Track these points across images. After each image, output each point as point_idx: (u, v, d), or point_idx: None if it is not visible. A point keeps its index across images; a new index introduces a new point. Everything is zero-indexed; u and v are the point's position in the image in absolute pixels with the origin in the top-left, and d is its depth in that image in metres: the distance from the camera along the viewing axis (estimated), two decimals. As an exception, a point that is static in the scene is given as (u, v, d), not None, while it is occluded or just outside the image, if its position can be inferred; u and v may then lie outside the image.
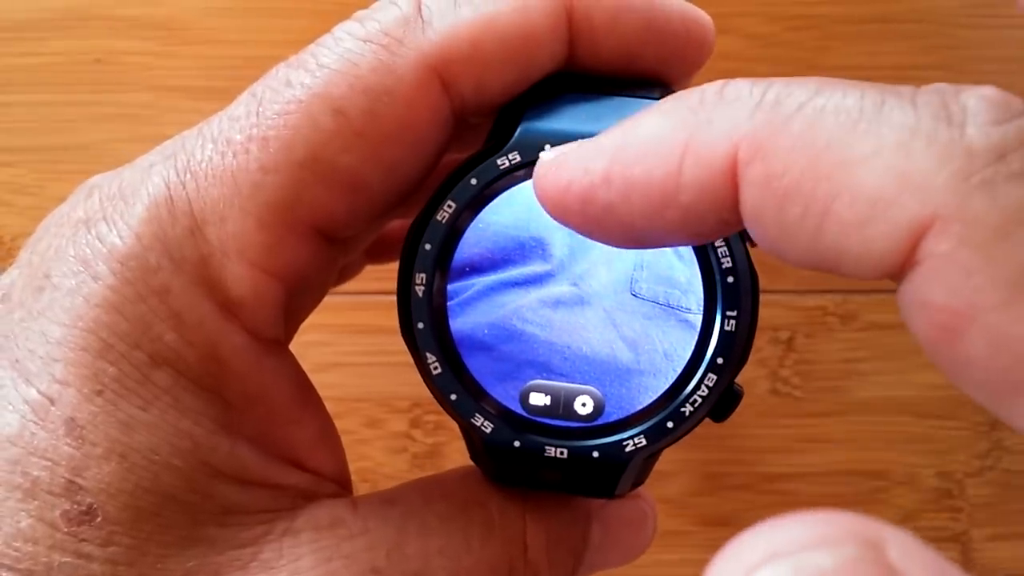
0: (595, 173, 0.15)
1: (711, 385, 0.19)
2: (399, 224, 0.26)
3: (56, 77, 0.40)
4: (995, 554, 0.39)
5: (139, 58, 0.40)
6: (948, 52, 0.41)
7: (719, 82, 0.15)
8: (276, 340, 0.19)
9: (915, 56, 0.41)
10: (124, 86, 0.40)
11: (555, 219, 0.16)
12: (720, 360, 0.19)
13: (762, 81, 0.14)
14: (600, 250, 0.20)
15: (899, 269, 0.13)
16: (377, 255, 0.28)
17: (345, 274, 0.28)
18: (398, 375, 0.39)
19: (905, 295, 0.13)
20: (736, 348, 0.19)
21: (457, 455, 0.39)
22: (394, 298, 0.19)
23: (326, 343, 0.39)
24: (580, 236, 0.19)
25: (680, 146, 0.14)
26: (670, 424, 0.19)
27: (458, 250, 0.20)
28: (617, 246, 0.16)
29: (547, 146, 0.19)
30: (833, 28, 0.41)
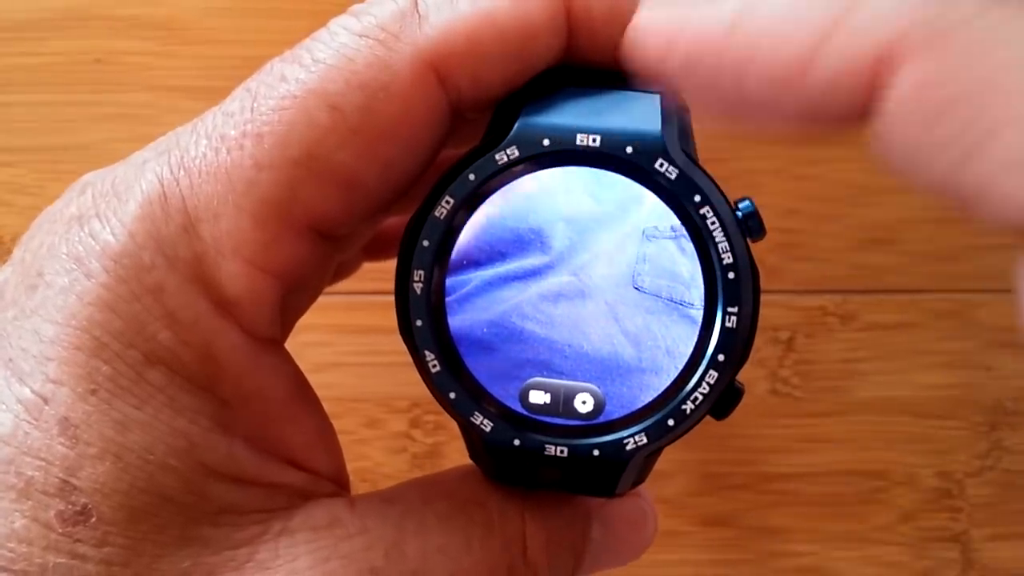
0: (713, 34, 0.14)
1: (712, 382, 0.19)
2: (397, 221, 0.26)
3: (56, 77, 0.40)
4: (995, 554, 0.39)
5: (139, 58, 0.40)
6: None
7: None
8: (272, 338, 0.19)
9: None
10: (124, 86, 0.40)
11: (647, 72, 0.15)
12: (721, 357, 0.19)
13: None
14: (602, 242, 0.19)
15: None
16: (375, 252, 0.28)
17: (342, 271, 0.28)
18: (398, 375, 0.39)
19: None
20: (737, 345, 0.19)
21: (457, 455, 0.39)
22: (394, 298, 0.19)
23: (325, 343, 0.39)
24: (581, 228, 0.19)
25: (822, 26, 0.13)
26: (671, 422, 0.19)
27: (458, 246, 0.19)
28: (705, 113, 0.15)
29: (546, 140, 0.19)
30: (833, 28, 0.40)
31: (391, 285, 0.19)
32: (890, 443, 0.40)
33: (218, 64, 0.40)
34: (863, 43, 0.13)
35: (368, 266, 0.29)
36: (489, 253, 0.19)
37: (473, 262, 0.19)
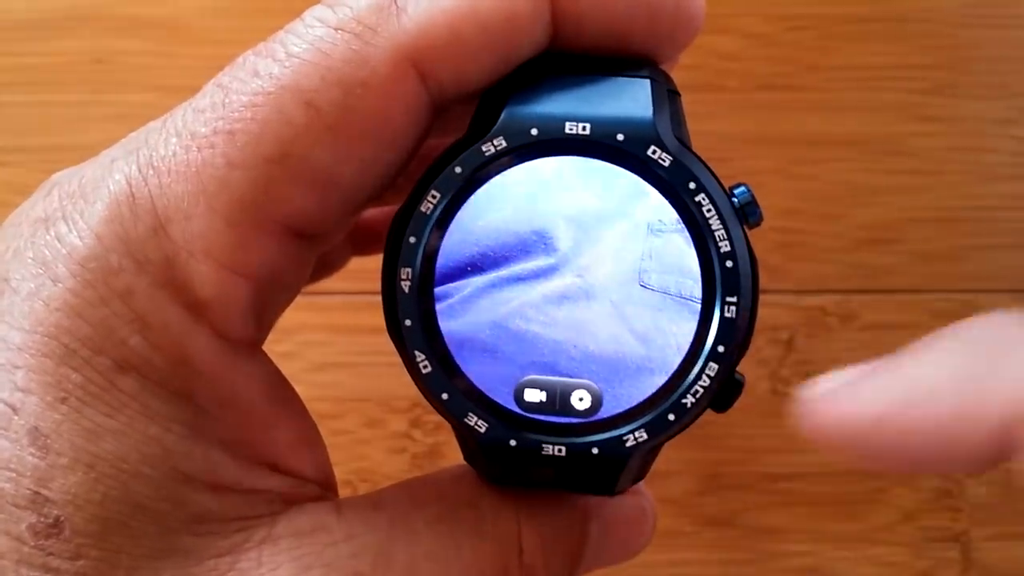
0: (869, 415, 0.15)
1: (712, 375, 0.18)
2: (386, 213, 0.25)
3: (56, 77, 0.40)
4: (995, 554, 0.39)
5: (139, 58, 0.40)
6: (948, 52, 0.41)
7: (1018, 318, 0.14)
8: (247, 341, 0.19)
9: (915, 56, 0.41)
10: (124, 86, 0.40)
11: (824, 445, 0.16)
12: (721, 348, 0.18)
13: None
14: (606, 240, 0.19)
15: None
16: (364, 247, 0.28)
17: (328, 268, 0.28)
18: (398, 375, 0.39)
19: None
20: (737, 335, 0.18)
21: (458, 455, 0.39)
22: (381, 298, 0.19)
23: (326, 343, 0.39)
24: (584, 226, 0.18)
25: (957, 397, 0.14)
26: (671, 416, 0.18)
27: (455, 249, 0.19)
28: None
29: (534, 130, 0.18)
30: (832, 28, 0.41)
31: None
32: (890, 443, 0.40)
33: (218, 64, 0.40)
34: (989, 414, 0.14)
35: (367, 265, 0.29)
36: (492, 258, 0.19)
37: (474, 267, 0.19)
